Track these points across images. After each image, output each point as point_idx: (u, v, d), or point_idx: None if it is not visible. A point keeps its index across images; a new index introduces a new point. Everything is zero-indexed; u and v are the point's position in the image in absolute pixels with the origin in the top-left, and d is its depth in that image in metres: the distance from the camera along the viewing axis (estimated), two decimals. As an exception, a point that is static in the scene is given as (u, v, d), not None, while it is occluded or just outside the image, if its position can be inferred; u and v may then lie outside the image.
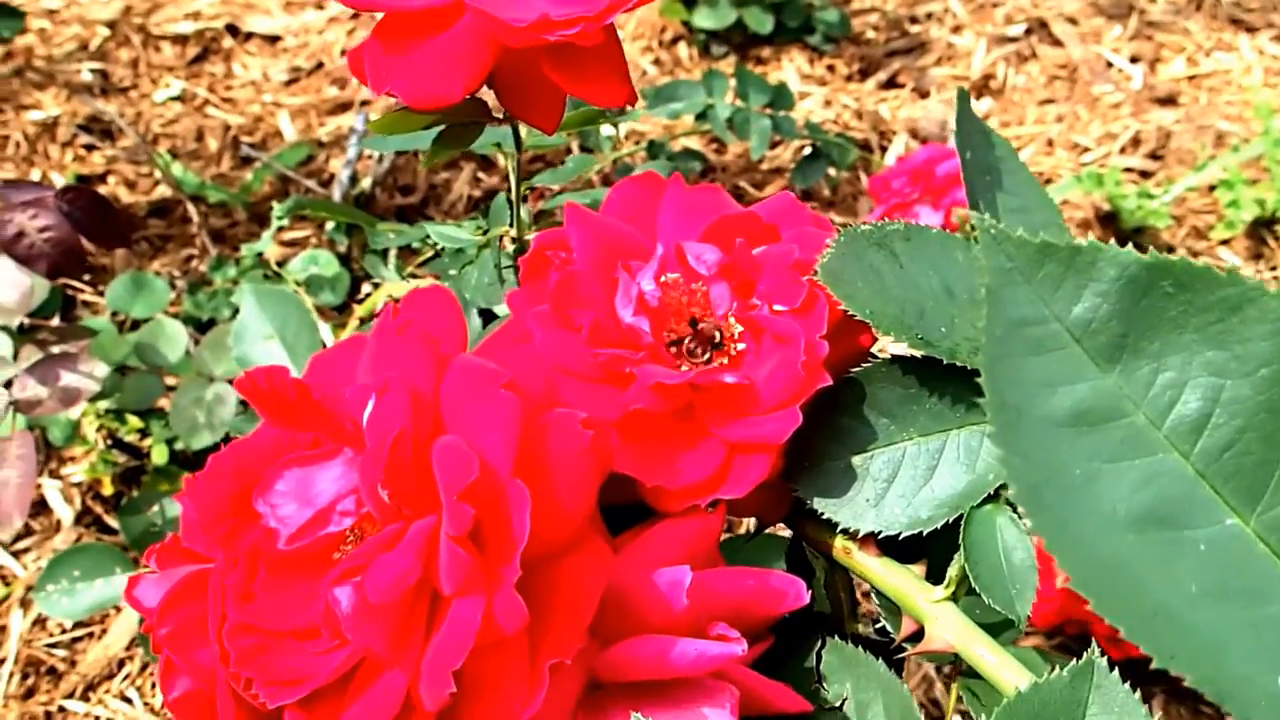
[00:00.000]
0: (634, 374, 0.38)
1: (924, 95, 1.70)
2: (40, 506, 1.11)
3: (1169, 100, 1.65)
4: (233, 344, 0.71)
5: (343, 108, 1.68)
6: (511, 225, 0.56)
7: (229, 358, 0.79)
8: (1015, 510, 0.38)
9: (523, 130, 0.56)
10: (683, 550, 0.37)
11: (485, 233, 0.57)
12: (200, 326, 1.22)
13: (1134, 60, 1.73)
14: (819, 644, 0.40)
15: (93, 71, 1.80)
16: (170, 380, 1.03)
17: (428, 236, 0.75)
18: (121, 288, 1.00)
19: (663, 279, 0.40)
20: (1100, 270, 0.24)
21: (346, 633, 0.30)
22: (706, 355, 0.40)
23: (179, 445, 1.00)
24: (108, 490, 1.08)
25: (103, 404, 1.03)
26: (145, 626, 0.37)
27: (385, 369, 0.33)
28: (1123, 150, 1.53)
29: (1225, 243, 1.39)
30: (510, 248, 0.59)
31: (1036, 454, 0.21)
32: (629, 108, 0.43)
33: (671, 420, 0.39)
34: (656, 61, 1.76)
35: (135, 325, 1.05)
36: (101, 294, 1.29)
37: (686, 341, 0.40)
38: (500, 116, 0.48)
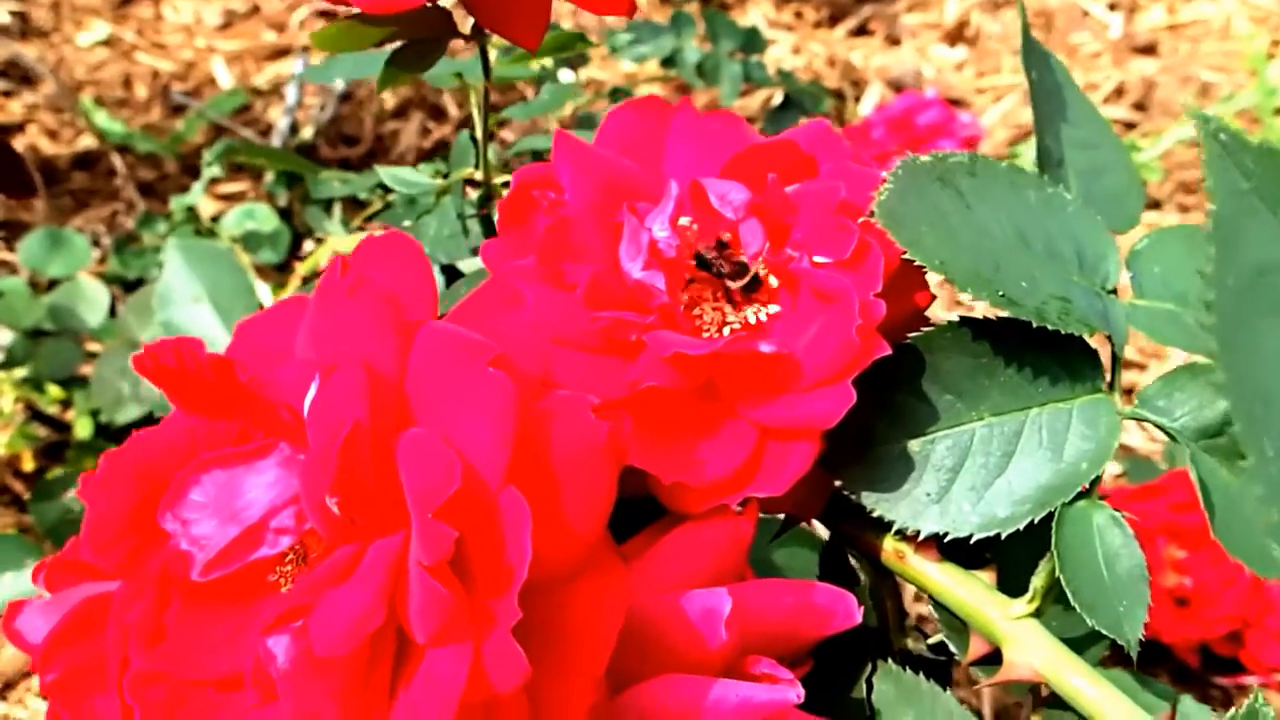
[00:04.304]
0: (644, 342, 0.31)
1: (895, 43, 1.62)
2: (-47, 485, 1.01)
3: (1148, 50, 1.59)
4: (156, 308, 0.62)
5: (281, 53, 1.57)
6: (476, 167, 0.48)
7: (155, 322, 0.70)
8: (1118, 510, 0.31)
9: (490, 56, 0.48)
10: (709, 563, 0.30)
11: (445, 176, 0.49)
12: (129, 287, 1.12)
13: (1112, 8, 1.67)
14: (868, 668, 0.33)
15: (11, 13, 1.67)
16: (94, 347, 0.94)
17: (377, 185, 0.67)
18: (37, 245, 0.91)
19: (678, 224, 0.32)
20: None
21: (283, 696, 0.22)
22: (729, 316, 0.32)
23: (104, 418, 0.91)
24: (28, 466, 0.99)
25: (19, 372, 0.93)
26: (32, 666, 0.29)
27: (332, 341, 0.25)
28: (1105, 101, 1.47)
29: (1214, 196, 1.34)
30: (474, 194, 0.50)
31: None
32: (602, 44, 0.35)
33: (690, 400, 0.31)
34: (616, 6, 1.67)
35: (54, 286, 0.95)
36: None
37: (708, 295, 0.32)
38: (467, 34, 0.40)
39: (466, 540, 0.24)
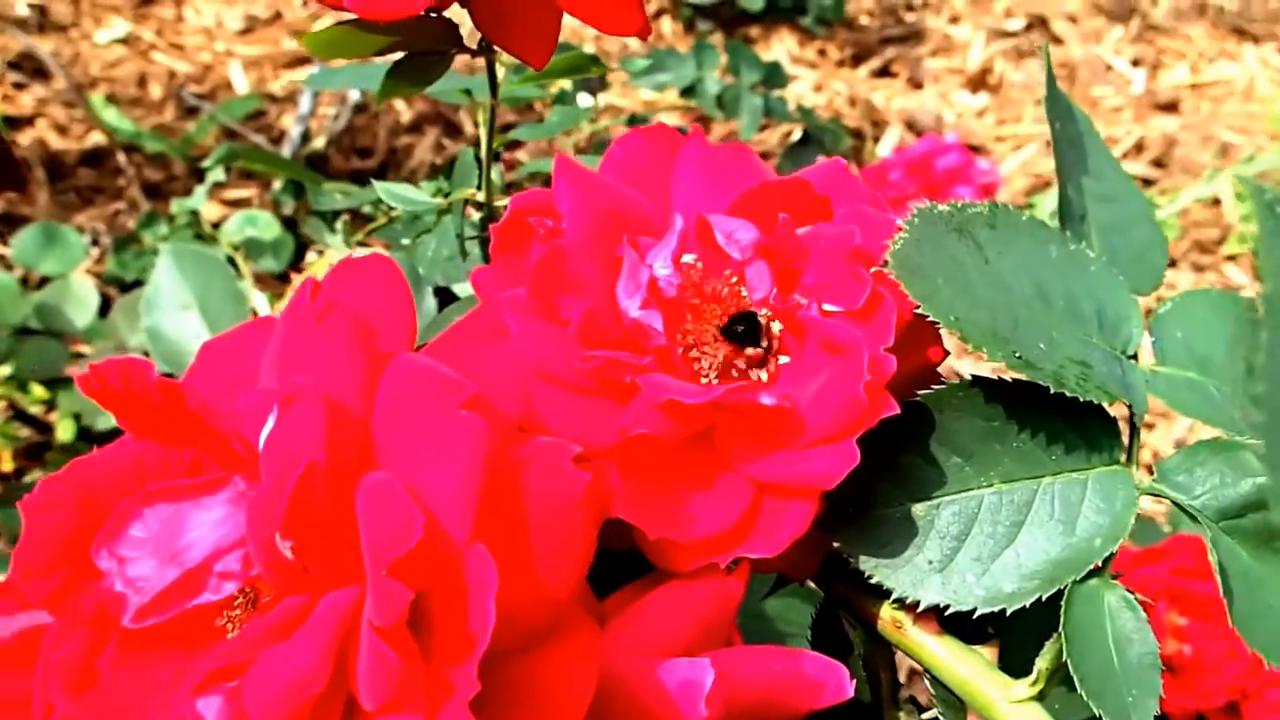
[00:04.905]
0: (638, 385, 0.29)
1: (918, 86, 1.61)
2: (-68, 480, 0.99)
3: (1170, 107, 1.57)
4: (143, 313, 0.60)
5: (300, 61, 1.56)
6: (479, 187, 0.46)
7: (141, 328, 0.69)
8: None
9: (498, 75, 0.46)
10: (693, 626, 0.28)
11: (447, 195, 0.47)
12: (126, 288, 1.11)
13: (1135, 64, 1.66)
14: (858, 747, 0.31)
15: (30, 6, 1.67)
16: (83, 348, 0.92)
17: (380, 199, 0.65)
18: (31, 240, 0.89)
19: (680, 261, 0.30)
20: None
21: (213, 763, 0.20)
22: (738, 364, 0.30)
23: (87, 422, 0.89)
24: (7, 466, 0.97)
25: (3, 370, 0.92)
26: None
27: (296, 370, 0.23)
28: (1125, 156, 1.45)
29: (1231, 259, 1.32)
30: (476, 215, 0.49)
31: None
32: (614, 67, 0.33)
33: (683, 450, 0.29)
34: (637, 33, 1.66)
35: (47, 283, 0.93)
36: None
37: (714, 346, 0.30)
38: (474, 48, 0.38)
39: (429, 598, 0.22)
